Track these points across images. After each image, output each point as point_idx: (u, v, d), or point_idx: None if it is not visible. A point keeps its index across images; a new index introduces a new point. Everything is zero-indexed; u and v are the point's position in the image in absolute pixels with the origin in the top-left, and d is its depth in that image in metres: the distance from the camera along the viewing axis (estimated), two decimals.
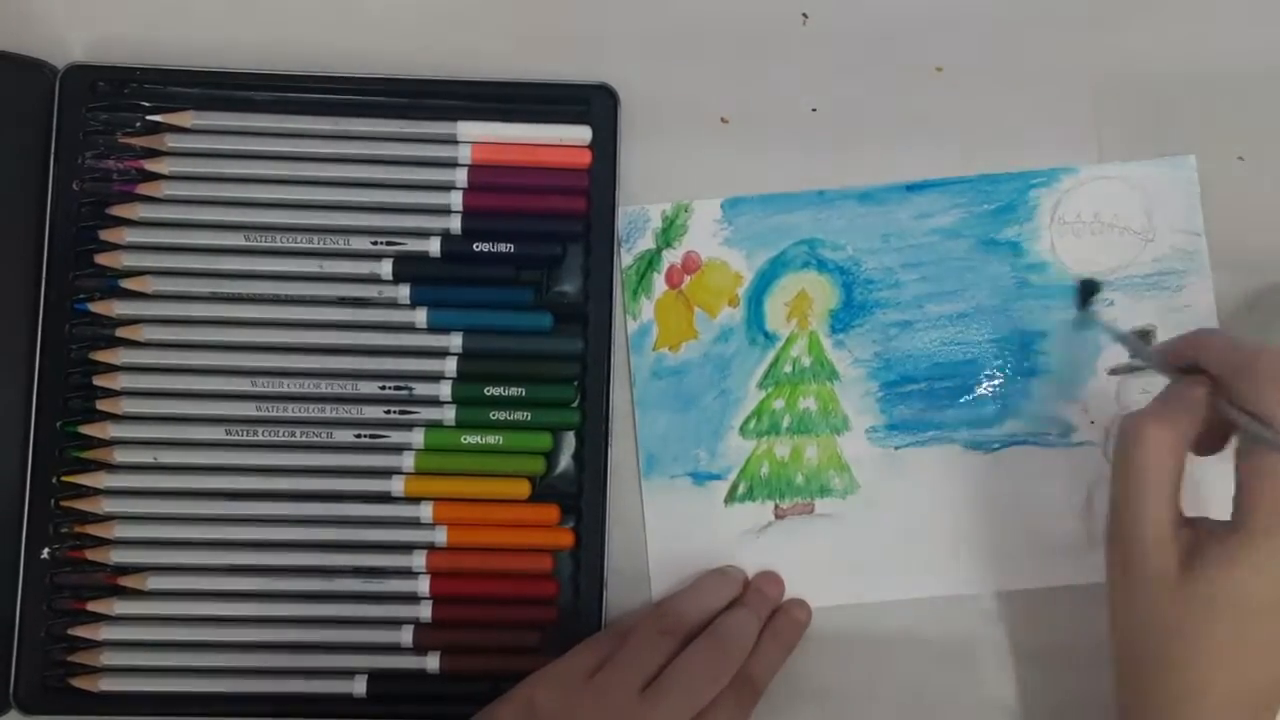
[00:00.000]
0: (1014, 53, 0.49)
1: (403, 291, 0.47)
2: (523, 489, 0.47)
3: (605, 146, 0.48)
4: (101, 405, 0.47)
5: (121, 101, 0.48)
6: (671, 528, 0.48)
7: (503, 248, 0.47)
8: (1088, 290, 0.47)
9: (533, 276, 0.48)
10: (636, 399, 0.48)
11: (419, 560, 0.47)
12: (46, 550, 0.47)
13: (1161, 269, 0.48)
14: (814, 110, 0.49)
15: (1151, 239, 0.48)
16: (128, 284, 0.47)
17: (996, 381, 0.48)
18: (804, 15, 0.49)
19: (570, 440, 0.48)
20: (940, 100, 0.49)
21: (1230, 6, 0.49)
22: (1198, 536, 0.38)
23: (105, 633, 0.46)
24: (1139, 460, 0.38)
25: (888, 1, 0.49)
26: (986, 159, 0.48)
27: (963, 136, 0.49)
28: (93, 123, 0.48)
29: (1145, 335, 0.48)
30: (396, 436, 0.47)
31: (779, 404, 0.48)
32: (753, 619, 0.45)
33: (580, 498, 0.47)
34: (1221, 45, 0.49)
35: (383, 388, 0.47)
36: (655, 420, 0.48)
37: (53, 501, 0.47)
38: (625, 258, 0.48)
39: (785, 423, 0.48)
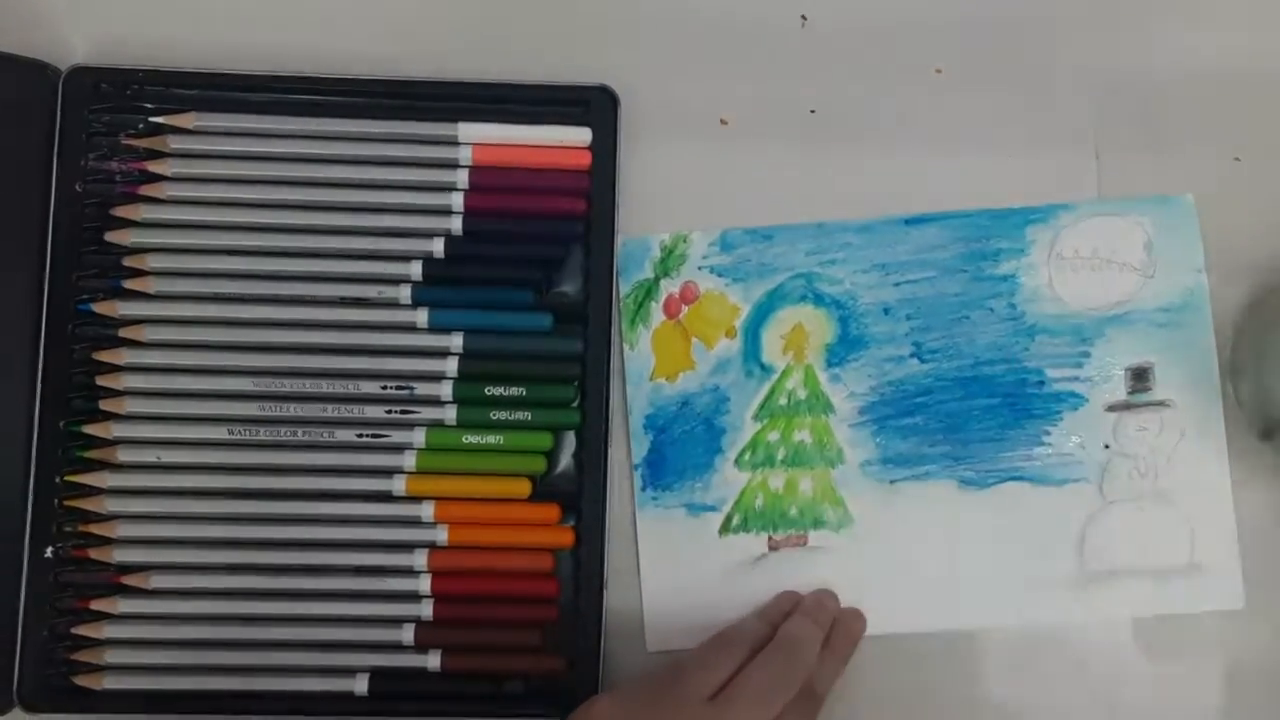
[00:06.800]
0: (1014, 52, 0.49)
1: (404, 292, 0.47)
2: (523, 488, 0.47)
3: (605, 148, 0.48)
4: (105, 405, 0.47)
5: (124, 103, 0.48)
6: (666, 558, 0.48)
7: (503, 249, 0.48)
8: None
9: (533, 277, 0.48)
10: (632, 429, 0.48)
11: (420, 559, 0.47)
12: (50, 549, 0.47)
13: (1162, 305, 0.48)
14: (813, 111, 0.49)
15: (1152, 276, 0.48)
16: (130, 284, 0.47)
17: (992, 417, 0.48)
18: (803, 16, 0.50)
19: (570, 440, 0.48)
20: (940, 101, 0.49)
21: (1230, 11, 0.49)
22: None
23: (108, 631, 0.46)
24: None
25: (888, 2, 0.50)
26: (988, 157, 0.48)
27: (963, 138, 0.49)
28: (95, 124, 0.48)
29: (1143, 373, 0.48)
30: (398, 436, 0.47)
31: (774, 436, 0.48)
32: (815, 628, 0.44)
33: (580, 497, 0.47)
34: (1221, 48, 0.49)
35: (384, 387, 0.47)
36: (650, 450, 0.48)
37: (56, 501, 0.47)
38: (623, 286, 0.48)
39: (780, 455, 0.48)
